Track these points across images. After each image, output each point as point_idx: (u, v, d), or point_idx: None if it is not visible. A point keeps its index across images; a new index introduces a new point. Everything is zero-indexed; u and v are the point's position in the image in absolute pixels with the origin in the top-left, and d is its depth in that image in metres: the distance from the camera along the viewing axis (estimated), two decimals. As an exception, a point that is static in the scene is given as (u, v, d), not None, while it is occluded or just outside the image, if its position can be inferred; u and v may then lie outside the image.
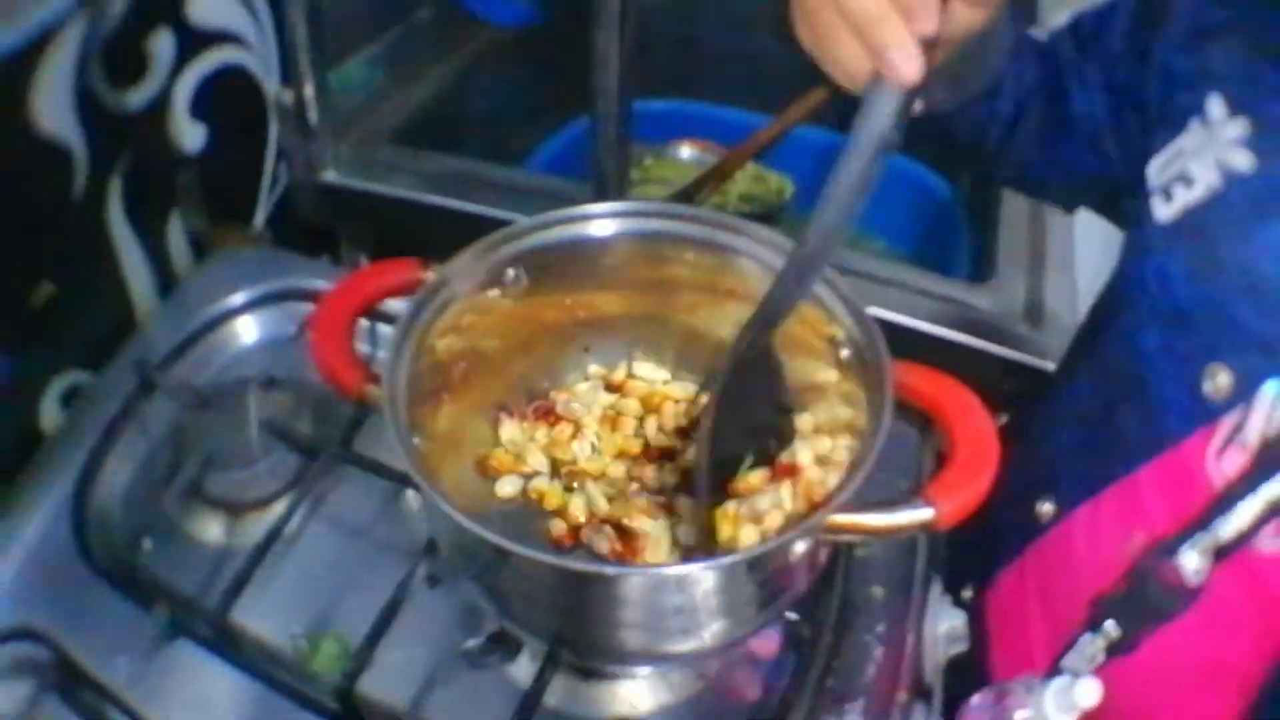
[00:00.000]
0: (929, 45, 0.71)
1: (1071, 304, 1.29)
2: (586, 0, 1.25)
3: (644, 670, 0.91)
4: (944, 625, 1.06)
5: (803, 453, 0.91)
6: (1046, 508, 1.03)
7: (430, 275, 0.88)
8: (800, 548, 0.76)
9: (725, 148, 1.64)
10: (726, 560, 0.77)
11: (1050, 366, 1.21)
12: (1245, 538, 0.82)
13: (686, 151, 1.76)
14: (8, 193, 1.06)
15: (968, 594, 1.15)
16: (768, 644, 0.98)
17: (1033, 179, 1.12)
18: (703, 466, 0.86)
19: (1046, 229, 1.37)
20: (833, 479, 0.84)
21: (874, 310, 1.11)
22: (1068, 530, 1.02)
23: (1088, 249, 1.34)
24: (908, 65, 0.71)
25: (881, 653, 0.98)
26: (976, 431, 0.80)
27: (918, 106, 0.76)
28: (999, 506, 1.15)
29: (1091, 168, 1.04)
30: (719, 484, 0.87)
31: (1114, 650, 0.91)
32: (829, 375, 0.90)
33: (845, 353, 0.87)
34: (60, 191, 1.12)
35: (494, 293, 0.92)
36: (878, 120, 0.72)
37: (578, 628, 0.81)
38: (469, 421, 0.97)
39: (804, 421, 0.94)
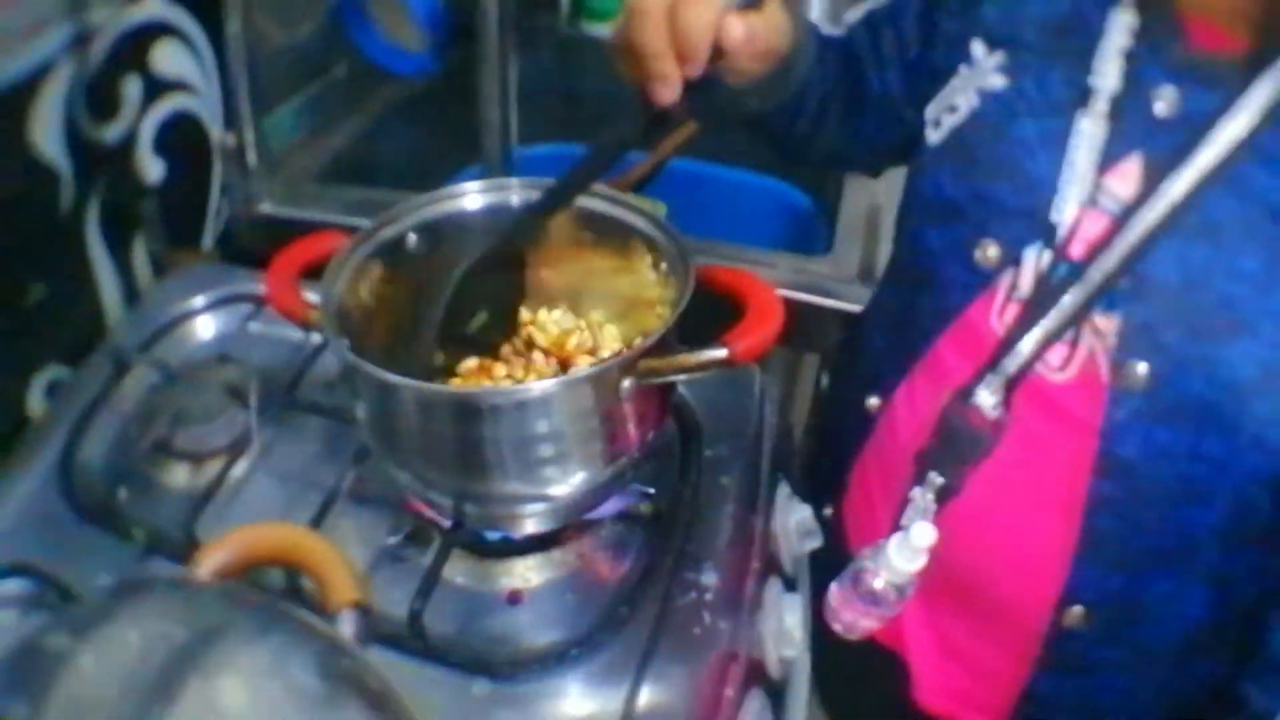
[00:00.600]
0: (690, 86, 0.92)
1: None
2: (475, 53, 1.46)
3: (529, 519, 1.08)
4: (794, 518, 1.23)
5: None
6: (873, 401, 1.20)
7: (348, 241, 1.09)
8: (628, 387, 0.97)
9: (605, 181, 1.81)
10: (564, 378, 1.03)
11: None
12: (1028, 368, 0.98)
13: (572, 188, 1.88)
14: (10, 204, 1.23)
15: (828, 511, 1.30)
16: (630, 530, 1.16)
17: (839, 156, 1.28)
18: (439, 305, 1.06)
19: (882, 211, 1.56)
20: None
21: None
22: (891, 414, 1.17)
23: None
24: (666, 94, 0.91)
25: (732, 527, 1.14)
26: (761, 296, 1.00)
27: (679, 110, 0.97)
28: (836, 418, 1.34)
29: (892, 136, 1.19)
30: (454, 332, 1.09)
31: (942, 496, 1.06)
32: (654, 286, 1.12)
33: (664, 265, 1.09)
34: (51, 208, 1.29)
35: (399, 251, 1.13)
36: (628, 126, 0.97)
37: (471, 476, 1.01)
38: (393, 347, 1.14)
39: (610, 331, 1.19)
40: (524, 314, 1.21)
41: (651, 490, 1.14)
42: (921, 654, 1.25)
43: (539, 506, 1.06)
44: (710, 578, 1.09)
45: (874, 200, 1.59)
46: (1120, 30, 0.95)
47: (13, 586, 1.07)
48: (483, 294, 1.10)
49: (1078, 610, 1.07)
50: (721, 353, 0.95)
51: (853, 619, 1.12)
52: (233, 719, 0.61)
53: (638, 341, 1.05)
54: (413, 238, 1.13)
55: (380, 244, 1.12)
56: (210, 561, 0.80)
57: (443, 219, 1.15)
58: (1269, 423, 0.91)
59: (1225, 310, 0.90)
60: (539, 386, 0.99)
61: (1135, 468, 0.97)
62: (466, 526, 1.08)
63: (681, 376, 0.99)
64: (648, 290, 1.13)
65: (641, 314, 1.15)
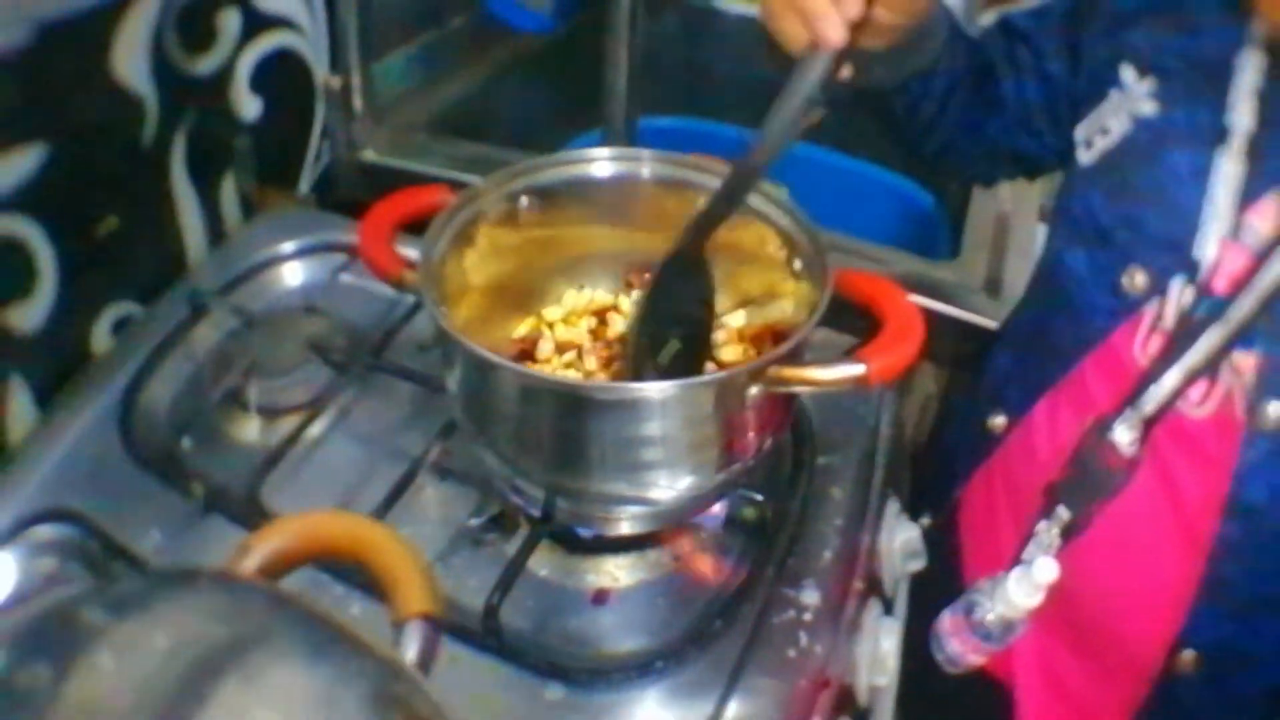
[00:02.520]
0: (853, 24, 0.88)
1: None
2: (602, 14, 1.40)
3: (625, 521, 1.02)
4: (900, 538, 1.18)
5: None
6: (998, 420, 1.17)
7: (455, 197, 1.01)
8: (753, 395, 0.89)
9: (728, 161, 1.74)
10: (685, 381, 0.92)
11: (1005, 329, 1.33)
12: (1168, 407, 0.96)
13: (692, 164, 1.83)
14: (86, 131, 1.18)
15: (925, 521, 1.25)
16: (732, 535, 1.09)
17: (957, 152, 1.24)
18: (633, 339, 1.01)
19: (1011, 220, 1.49)
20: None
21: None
22: (1028, 431, 1.14)
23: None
24: (833, 33, 0.88)
25: (838, 543, 1.08)
26: (903, 312, 0.93)
27: (846, 73, 0.94)
28: (953, 433, 1.32)
29: (1017, 142, 1.19)
30: (649, 361, 1.01)
31: (1068, 533, 1.04)
32: (786, 282, 1.04)
33: (798, 264, 1.01)
34: (132, 138, 1.24)
35: (509, 215, 1.06)
36: (807, 78, 0.90)
37: (567, 471, 0.94)
38: (486, 318, 1.09)
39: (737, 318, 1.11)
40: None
41: (759, 497, 1.08)
42: (1029, 687, 1.22)
43: (638, 509, 1.00)
44: (811, 596, 1.03)
45: (1002, 208, 1.52)
46: (1253, 69, 0.95)
47: (53, 532, 1.04)
48: (671, 312, 1.03)
49: (1189, 655, 1.05)
50: (858, 369, 0.87)
51: (960, 651, 1.10)
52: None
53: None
54: (526, 200, 1.06)
55: (491, 204, 1.05)
56: (264, 547, 0.72)
57: (564, 184, 1.08)
58: None
59: None
60: (656, 388, 0.91)
61: (1261, 512, 0.96)
62: (556, 519, 1.01)
63: (810, 390, 0.92)
64: (778, 281, 1.06)
65: (769, 306, 1.09)
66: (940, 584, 1.17)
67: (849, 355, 0.88)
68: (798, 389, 0.92)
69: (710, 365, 1.08)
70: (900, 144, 1.29)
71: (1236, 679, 1.07)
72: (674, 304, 1.03)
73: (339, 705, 0.53)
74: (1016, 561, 1.06)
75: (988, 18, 1.20)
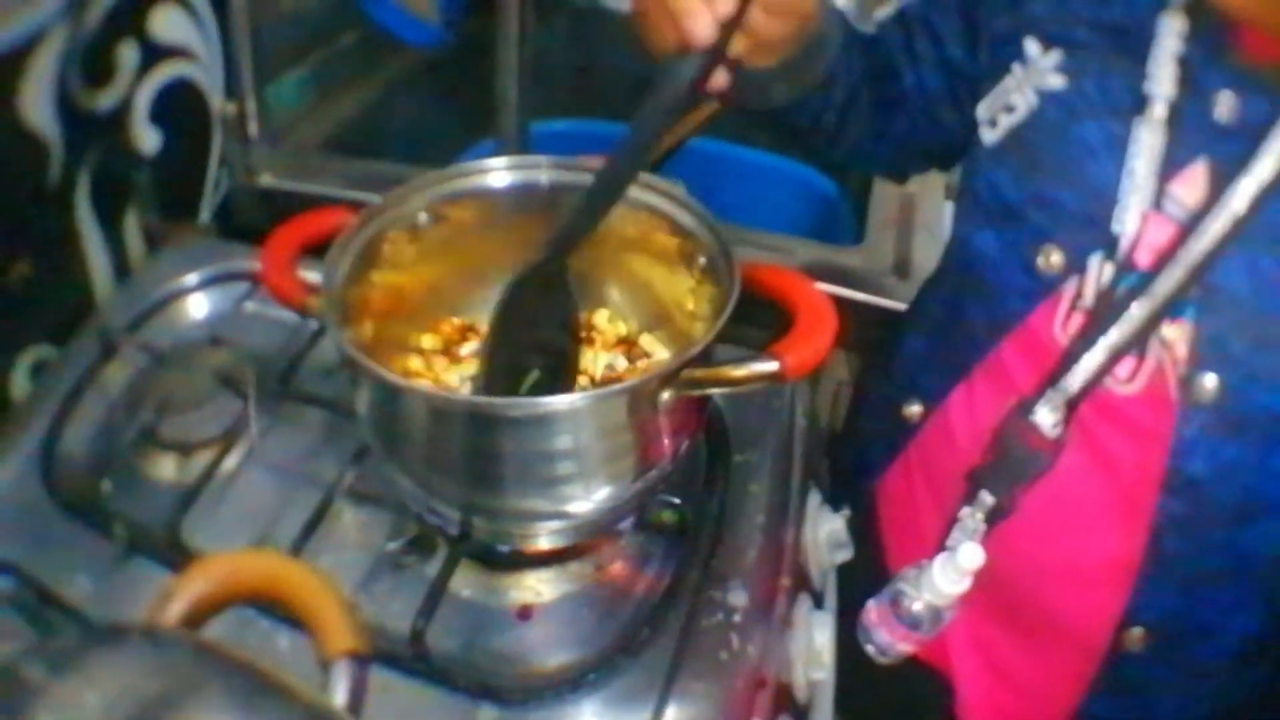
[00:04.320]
0: (726, 24, 0.86)
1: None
2: (490, 22, 1.40)
3: (544, 536, 1.01)
4: (824, 529, 1.17)
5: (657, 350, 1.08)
6: (914, 409, 1.16)
7: (353, 218, 1.00)
8: (665, 400, 0.88)
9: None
10: (596, 393, 0.92)
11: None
12: (1092, 386, 0.94)
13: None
14: None
15: (846, 513, 1.24)
16: (653, 541, 1.09)
17: (865, 154, 1.22)
18: (483, 372, 0.99)
19: (916, 200, 1.48)
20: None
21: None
22: (945, 417, 1.13)
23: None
24: (702, 31, 0.85)
25: (762, 540, 1.07)
26: (814, 303, 0.92)
27: (722, 81, 0.92)
28: (867, 422, 1.30)
29: (925, 136, 1.16)
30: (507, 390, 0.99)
31: (993, 517, 1.02)
32: (689, 282, 1.04)
33: (702, 260, 1.01)
34: (39, 180, 1.23)
35: (409, 232, 1.05)
36: (676, 78, 0.87)
37: (481, 489, 0.93)
38: (390, 335, 1.08)
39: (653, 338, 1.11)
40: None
41: (677, 500, 1.08)
42: (968, 673, 1.22)
43: (556, 524, 0.99)
44: (739, 597, 1.02)
45: (906, 189, 1.51)
46: (1172, 35, 0.93)
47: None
48: (529, 339, 1.01)
49: (1138, 632, 1.04)
50: (772, 366, 0.87)
51: (889, 641, 1.08)
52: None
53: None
54: (424, 216, 1.05)
55: (390, 222, 1.04)
56: (186, 593, 0.72)
57: (463, 196, 1.07)
58: None
59: None
60: (565, 400, 0.91)
61: (1202, 485, 0.94)
62: (474, 538, 1.01)
63: (725, 390, 0.92)
64: (684, 295, 1.06)
65: (679, 320, 1.08)
66: (866, 575, 1.16)
67: (762, 352, 0.87)
68: (712, 390, 0.91)
69: (583, 380, 1.06)
70: (812, 155, 1.28)
71: (1191, 651, 1.07)
72: (532, 331, 1.01)
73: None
74: (941, 548, 1.04)
75: (884, 10, 1.16)
